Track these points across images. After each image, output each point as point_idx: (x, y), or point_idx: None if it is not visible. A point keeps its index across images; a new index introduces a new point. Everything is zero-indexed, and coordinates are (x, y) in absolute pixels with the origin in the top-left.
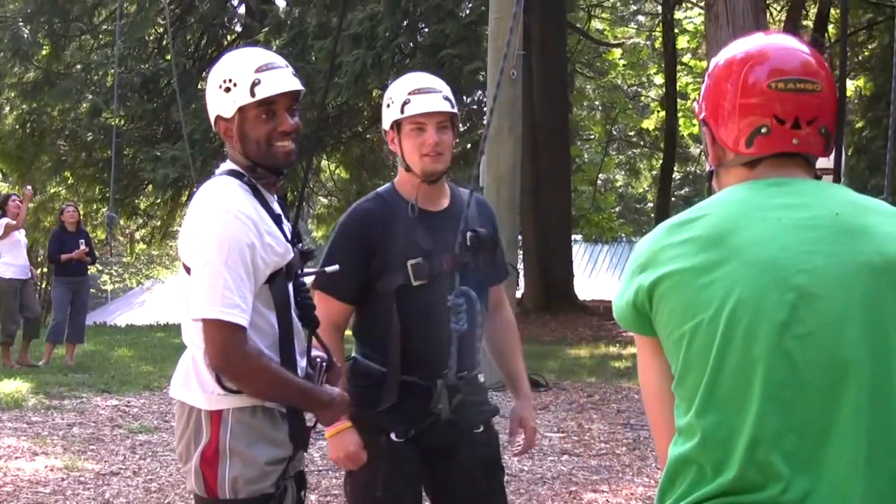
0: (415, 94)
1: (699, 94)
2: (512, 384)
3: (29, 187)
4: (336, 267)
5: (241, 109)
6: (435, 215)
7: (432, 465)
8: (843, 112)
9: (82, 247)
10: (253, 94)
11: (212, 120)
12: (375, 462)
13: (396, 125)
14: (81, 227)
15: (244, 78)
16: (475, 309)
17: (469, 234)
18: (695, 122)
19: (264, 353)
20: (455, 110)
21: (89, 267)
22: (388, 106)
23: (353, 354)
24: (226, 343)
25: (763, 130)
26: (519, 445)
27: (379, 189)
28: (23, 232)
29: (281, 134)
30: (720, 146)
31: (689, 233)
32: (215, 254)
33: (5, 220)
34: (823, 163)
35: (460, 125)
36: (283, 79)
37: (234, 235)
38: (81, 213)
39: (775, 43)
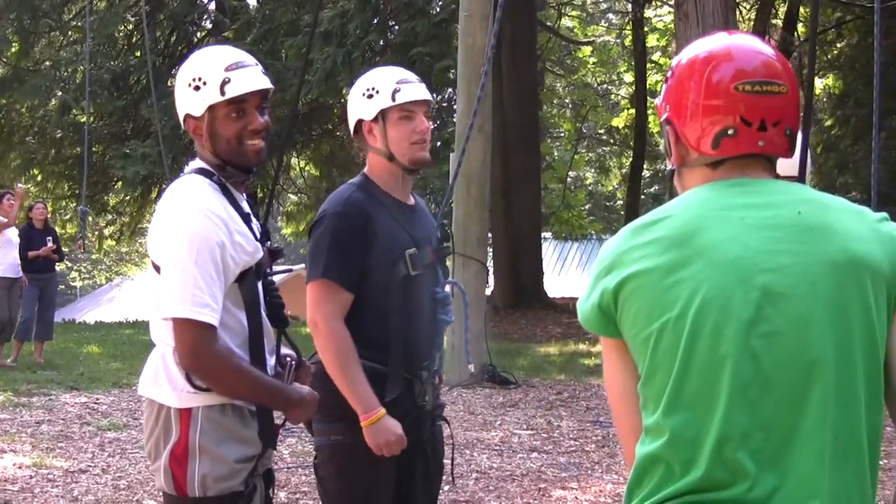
0: (403, 84)
1: (661, 94)
2: None
3: (21, 185)
4: (303, 266)
5: (211, 108)
6: (409, 208)
7: (404, 459)
8: (810, 114)
9: (49, 244)
10: (223, 93)
11: (181, 118)
12: (371, 464)
13: (382, 114)
14: (49, 224)
15: (214, 76)
16: (466, 301)
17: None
18: None
19: (234, 352)
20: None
21: (57, 264)
22: (371, 96)
23: None
24: (196, 342)
25: (730, 132)
26: None
27: (353, 180)
28: (14, 230)
29: (251, 132)
30: (684, 145)
31: (653, 234)
32: (185, 253)
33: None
34: (787, 166)
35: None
36: (253, 77)
37: (204, 234)
38: (50, 210)
39: (739, 43)
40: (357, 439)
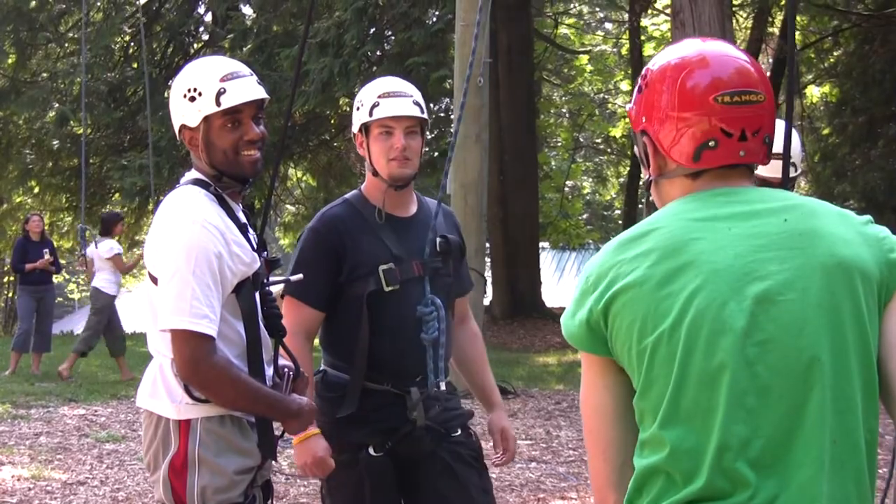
0: (384, 98)
1: (632, 102)
2: (484, 396)
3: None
4: (300, 276)
5: (207, 118)
6: (403, 221)
7: (405, 472)
8: (791, 120)
9: (46, 256)
10: (218, 104)
11: (176, 129)
12: (359, 479)
13: (365, 128)
14: (46, 236)
15: (209, 87)
16: (442, 316)
17: (439, 239)
18: None
19: (233, 363)
20: (424, 115)
21: (55, 276)
22: (358, 109)
23: (322, 367)
24: (194, 353)
25: (711, 144)
26: (499, 456)
27: (346, 195)
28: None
29: (247, 143)
30: (662, 156)
31: (641, 247)
32: (183, 264)
33: (112, 242)
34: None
35: (427, 133)
36: (248, 87)
37: (202, 245)
38: (47, 222)
39: (713, 50)
40: (343, 458)
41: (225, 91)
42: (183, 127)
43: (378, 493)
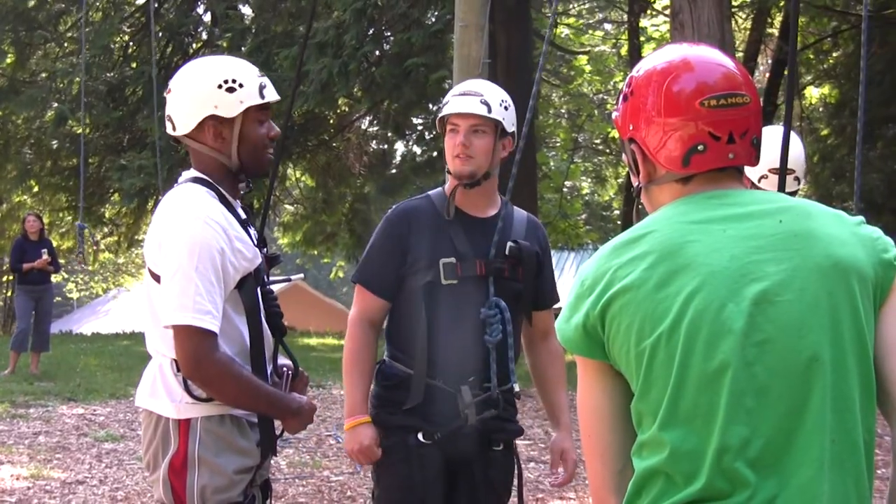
0: (456, 97)
1: (619, 110)
2: (553, 415)
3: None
4: (301, 275)
5: (247, 110)
6: (477, 221)
7: (450, 472)
8: (790, 122)
9: (44, 256)
10: (262, 96)
11: (194, 120)
12: (406, 460)
13: (441, 125)
14: (45, 236)
15: (250, 80)
16: (506, 319)
17: (510, 243)
18: None
19: (235, 360)
20: (493, 116)
21: (54, 275)
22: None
23: (384, 356)
24: (197, 349)
25: (700, 148)
26: (557, 476)
27: (430, 191)
28: None
29: (270, 140)
30: (651, 163)
31: (636, 250)
32: (186, 260)
33: None
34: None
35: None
36: (272, 87)
37: (205, 241)
38: (47, 221)
39: (697, 55)
40: (392, 442)
41: (265, 86)
42: (210, 118)
43: (424, 476)
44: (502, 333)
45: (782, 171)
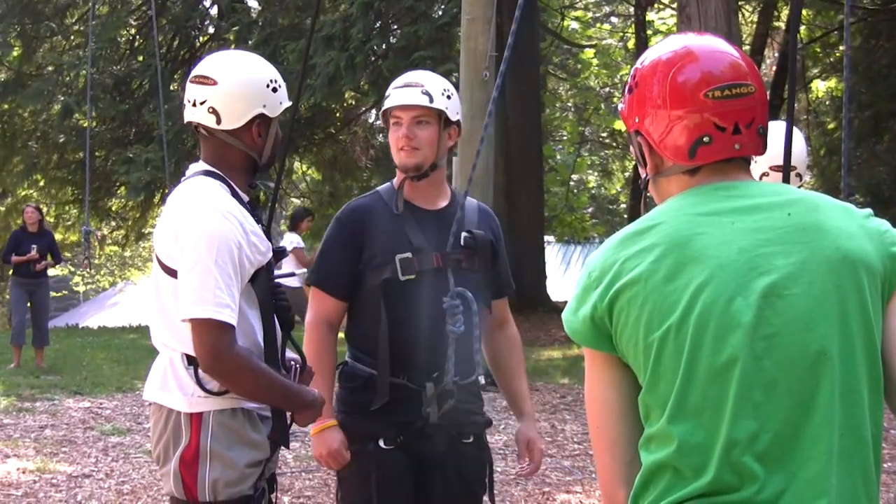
0: (396, 89)
1: (624, 102)
2: (514, 404)
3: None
4: (304, 271)
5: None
6: (429, 213)
7: (418, 473)
8: (791, 124)
9: (33, 251)
10: (290, 99)
11: (245, 116)
12: (366, 470)
13: (385, 119)
14: (46, 227)
15: (283, 81)
16: (472, 311)
17: (464, 234)
18: None
19: (253, 353)
20: (434, 105)
21: (59, 268)
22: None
23: (346, 358)
24: (216, 342)
25: (705, 140)
26: (524, 467)
27: (379, 187)
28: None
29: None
30: (657, 155)
31: (644, 242)
32: (205, 253)
33: (295, 235)
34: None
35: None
36: None
37: (223, 234)
38: (53, 215)
39: (701, 44)
40: (354, 448)
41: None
42: (259, 116)
43: (385, 486)
44: (466, 324)
45: (786, 166)
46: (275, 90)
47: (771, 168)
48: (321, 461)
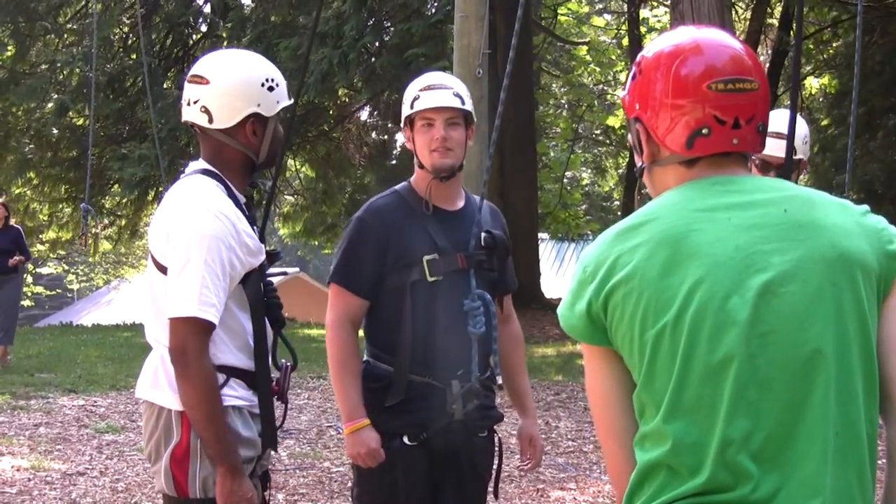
0: (425, 91)
1: (626, 89)
2: (517, 400)
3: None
4: (297, 269)
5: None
6: (450, 214)
7: (436, 467)
8: (796, 101)
9: None
10: (290, 97)
11: (238, 116)
12: (389, 466)
13: (410, 122)
14: (9, 224)
15: (282, 80)
16: (490, 311)
17: (484, 234)
18: None
19: (216, 377)
20: (465, 107)
21: (52, 266)
22: (403, 104)
23: (366, 357)
24: (189, 340)
25: (704, 132)
26: (527, 463)
27: (396, 186)
28: None
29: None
30: (655, 143)
31: (639, 237)
32: (195, 252)
33: None
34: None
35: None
36: None
37: (215, 234)
38: (47, 213)
39: (707, 37)
40: (382, 443)
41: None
42: (253, 115)
43: (409, 482)
44: (486, 325)
45: (788, 160)
46: (271, 89)
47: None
48: (357, 460)
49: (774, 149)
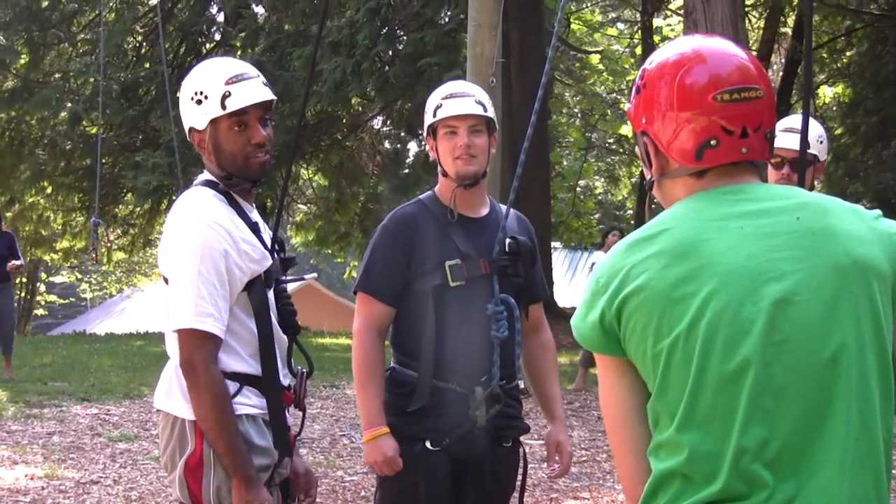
0: (447, 99)
1: (631, 102)
2: (546, 407)
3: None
4: (314, 274)
5: (214, 122)
6: (474, 221)
7: (458, 473)
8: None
9: None
10: (224, 107)
11: (186, 131)
12: (411, 471)
13: (433, 131)
14: (5, 229)
15: (215, 90)
16: (514, 317)
17: (508, 240)
18: None
19: (227, 386)
20: (488, 114)
21: (65, 275)
22: (426, 113)
23: (392, 364)
24: (194, 352)
25: (712, 143)
26: (554, 468)
27: (421, 195)
28: None
29: (254, 146)
30: (663, 156)
31: (652, 248)
32: (189, 263)
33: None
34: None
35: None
36: (253, 90)
37: (207, 244)
38: (60, 222)
39: (710, 47)
40: (404, 450)
41: (230, 94)
42: (192, 129)
43: (430, 486)
44: (509, 330)
45: (802, 167)
46: (199, 102)
47: (781, 130)
48: (374, 468)
49: (788, 142)
